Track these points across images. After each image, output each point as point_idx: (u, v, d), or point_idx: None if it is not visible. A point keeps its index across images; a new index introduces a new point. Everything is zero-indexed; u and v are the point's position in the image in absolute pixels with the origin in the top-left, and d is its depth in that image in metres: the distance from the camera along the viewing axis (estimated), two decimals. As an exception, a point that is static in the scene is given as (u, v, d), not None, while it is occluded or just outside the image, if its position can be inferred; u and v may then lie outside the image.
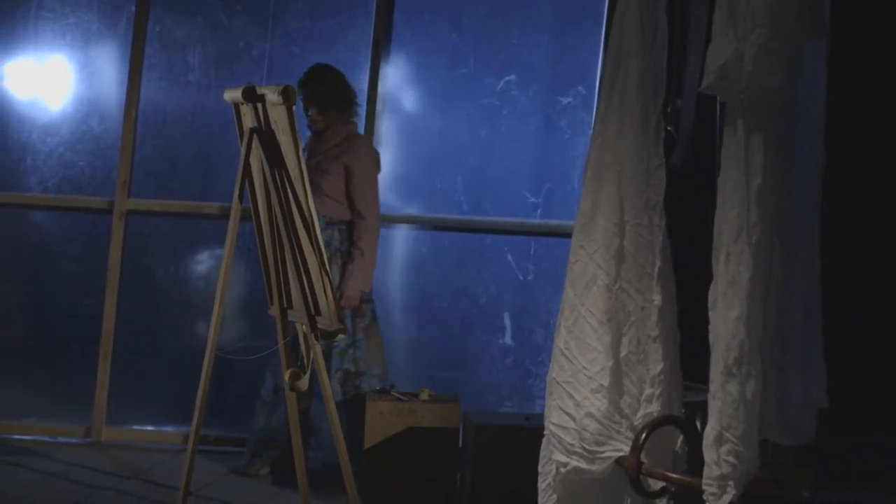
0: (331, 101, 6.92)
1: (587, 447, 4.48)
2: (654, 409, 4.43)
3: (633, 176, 4.50)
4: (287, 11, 7.63)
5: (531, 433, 5.27)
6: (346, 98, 6.97)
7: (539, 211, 7.65)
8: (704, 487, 4.04)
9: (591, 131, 5.22)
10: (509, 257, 7.68)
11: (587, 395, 4.50)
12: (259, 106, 5.58)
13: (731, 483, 3.97)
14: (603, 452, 4.46)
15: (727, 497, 3.97)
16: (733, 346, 3.98)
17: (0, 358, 7.76)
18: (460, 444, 6.54)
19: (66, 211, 7.64)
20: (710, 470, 4.03)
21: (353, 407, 6.77)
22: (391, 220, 7.60)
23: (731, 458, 3.97)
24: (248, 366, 6.66)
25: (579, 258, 4.63)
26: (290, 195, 5.51)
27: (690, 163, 4.61)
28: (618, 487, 4.54)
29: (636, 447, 4.33)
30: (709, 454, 4.04)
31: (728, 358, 3.99)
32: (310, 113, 6.91)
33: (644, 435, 4.34)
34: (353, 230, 6.88)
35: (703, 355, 4.21)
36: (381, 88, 7.56)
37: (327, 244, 6.66)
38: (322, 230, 6.45)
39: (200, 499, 6.41)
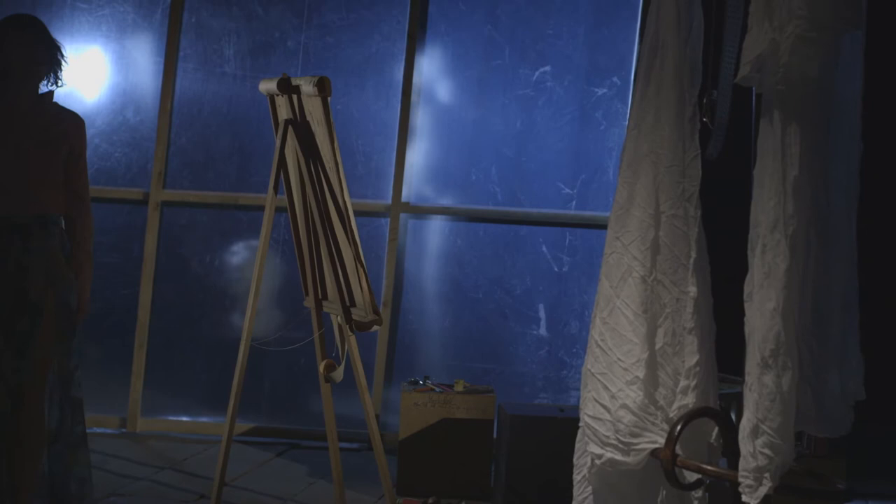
0: (59, 53, 5.32)
1: (622, 439, 4.47)
2: (690, 400, 4.42)
3: (669, 167, 4.49)
4: (323, 2, 7.63)
5: (566, 424, 5.27)
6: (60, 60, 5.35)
7: (574, 202, 7.64)
8: (740, 480, 4.02)
9: (626, 122, 5.20)
10: (544, 248, 7.66)
11: (622, 386, 4.49)
12: (294, 97, 5.59)
13: (766, 475, 3.96)
14: (638, 444, 4.45)
15: (763, 489, 3.96)
16: (769, 338, 3.96)
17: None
18: (495, 436, 6.55)
19: (101, 202, 7.67)
20: (746, 462, 4.01)
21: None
22: (426, 212, 7.60)
23: (767, 451, 3.96)
24: (284, 357, 6.67)
25: (615, 249, 4.62)
26: (325, 187, 5.52)
27: (726, 154, 4.60)
28: (653, 479, 4.53)
29: (671, 439, 4.32)
30: (745, 446, 4.03)
31: (764, 350, 3.97)
32: (36, 59, 5.18)
33: (679, 427, 4.33)
34: (75, 227, 5.32)
35: (737, 347, 4.20)
36: (416, 79, 7.56)
37: (62, 248, 5.25)
38: (48, 234, 5.21)
39: (235, 489, 6.42)
